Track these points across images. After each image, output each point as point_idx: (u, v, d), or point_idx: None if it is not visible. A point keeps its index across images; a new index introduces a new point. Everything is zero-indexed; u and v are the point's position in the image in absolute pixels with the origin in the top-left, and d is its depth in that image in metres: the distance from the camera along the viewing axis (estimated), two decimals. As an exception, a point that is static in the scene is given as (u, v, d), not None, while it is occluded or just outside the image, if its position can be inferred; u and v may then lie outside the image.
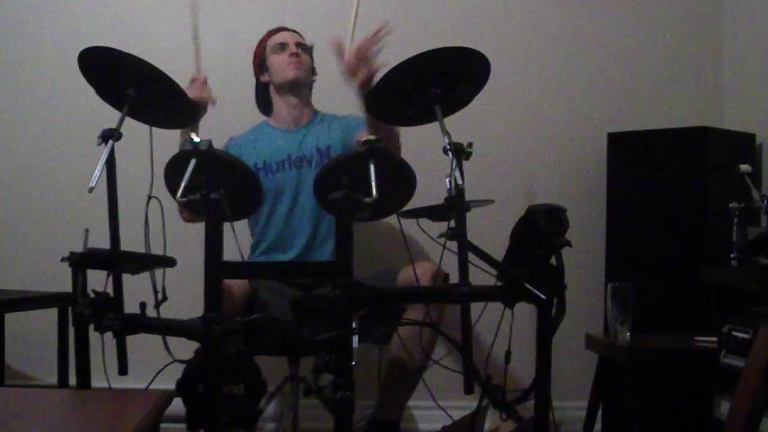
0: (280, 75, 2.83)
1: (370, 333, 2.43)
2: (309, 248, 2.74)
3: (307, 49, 2.86)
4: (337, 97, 2.74)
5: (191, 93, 2.41)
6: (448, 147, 1.98)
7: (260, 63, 2.89)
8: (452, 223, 2.01)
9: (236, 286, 2.49)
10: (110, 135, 1.98)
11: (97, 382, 2.07)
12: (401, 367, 2.50)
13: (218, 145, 2.72)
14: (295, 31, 2.90)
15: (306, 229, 2.74)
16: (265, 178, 2.75)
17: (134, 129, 2.10)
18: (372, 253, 2.92)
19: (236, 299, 2.46)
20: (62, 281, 2.21)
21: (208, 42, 3.14)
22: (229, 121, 2.93)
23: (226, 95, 3.11)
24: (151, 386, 2.00)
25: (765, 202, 2.45)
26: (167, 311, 2.04)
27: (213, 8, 3.20)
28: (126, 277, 2.06)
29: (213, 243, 1.87)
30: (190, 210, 2.41)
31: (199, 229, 1.93)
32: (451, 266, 2.06)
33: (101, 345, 1.99)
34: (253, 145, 2.83)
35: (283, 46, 2.83)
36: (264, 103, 2.92)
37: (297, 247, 2.74)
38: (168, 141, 2.23)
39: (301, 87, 2.84)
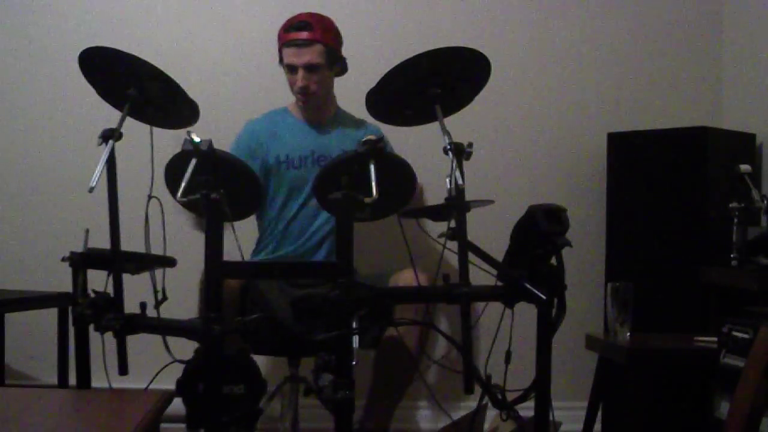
0: (293, 94, 2.76)
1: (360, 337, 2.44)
2: (314, 246, 2.74)
3: (321, 64, 2.67)
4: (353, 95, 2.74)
5: None
6: (448, 147, 1.98)
7: (279, 57, 2.73)
8: (452, 223, 2.01)
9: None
10: (110, 135, 1.98)
11: (97, 382, 2.07)
12: (389, 372, 2.50)
13: (223, 143, 2.73)
14: (306, 42, 2.64)
15: (314, 227, 2.73)
16: (286, 173, 2.73)
17: (134, 129, 2.10)
18: (369, 255, 2.92)
19: (232, 291, 2.44)
20: (62, 281, 2.21)
21: (212, 38, 3.15)
22: (231, 118, 2.93)
23: (229, 91, 3.13)
24: (151, 386, 2.00)
25: (765, 202, 2.45)
26: (167, 311, 2.04)
27: (216, 3, 3.20)
28: (126, 277, 2.06)
29: (213, 243, 1.87)
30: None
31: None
32: (451, 266, 2.07)
33: (101, 345, 1.99)
34: (275, 135, 2.78)
35: (292, 69, 2.68)
36: None
37: (302, 242, 2.74)
38: (168, 141, 2.23)
39: (313, 109, 2.78)
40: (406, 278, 2.42)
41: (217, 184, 1.88)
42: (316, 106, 2.77)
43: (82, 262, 2.00)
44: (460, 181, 1.95)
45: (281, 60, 2.73)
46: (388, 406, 2.56)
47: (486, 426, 2.58)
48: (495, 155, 3.14)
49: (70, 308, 2.31)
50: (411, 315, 2.30)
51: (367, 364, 2.54)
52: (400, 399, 2.57)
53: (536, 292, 1.89)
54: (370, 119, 2.41)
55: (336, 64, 2.74)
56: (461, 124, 2.17)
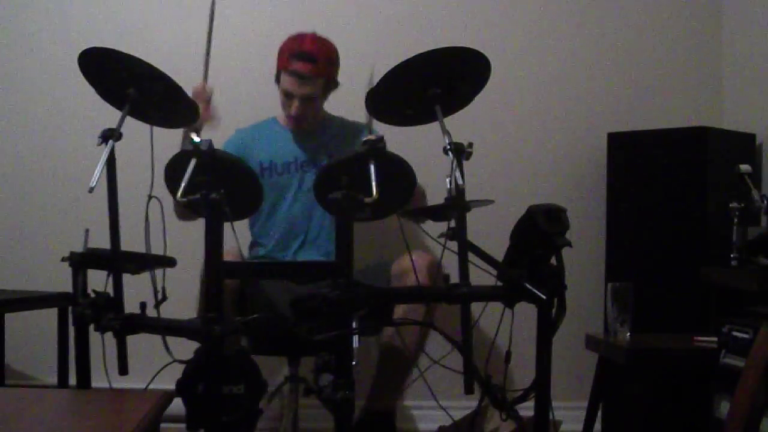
0: (285, 113, 2.77)
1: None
2: (303, 248, 2.75)
3: (318, 96, 2.70)
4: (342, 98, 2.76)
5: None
6: (448, 147, 1.98)
7: (276, 72, 2.74)
8: (452, 223, 2.01)
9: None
10: (110, 135, 1.98)
11: (97, 382, 2.07)
12: (393, 357, 2.52)
13: (223, 143, 2.73)
14: (309, 76, 2.64)
15: (304, 230, 2.75)
16: (270, 178, 2.75)
17: (134, 129, 2.10)
18: (369, 248, 2.91)
19: (228, 291, 2.44)
20: (62, 281, 2.21)
21: (214, 40, 3.14)
22: (234, 119, 2.93)
23: (231, 92, 3.12)
24: (151, 386, 2.00)
25: (765, 202, 2.45)
26: (167, 311, 2.04)
27: (216, 3, 3.20)
28: (126, 277, 2.06)
29: (213, 243, 1.87)
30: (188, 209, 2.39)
31: (199, 229, 1.93)
32: (451, 266, 2.07)
33: (101, 345, 1.99)
34: (261, 142, 2.81)
35: (289, 96, 2.68)
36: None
37: (295, 247, 2.74)
38: (168, 141, 2.23)
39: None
40: (408, 264, 2.40)
41: (217, 184, 1.88)
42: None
43: (82, 262, 2.00)
44: (460, 181, 1.94)
45: (278, 80, 2.73)
46: (394, 388, 2.57)
47: (486, 426, 2.58)
48: (495, 155, 3.14)
49: (70, 308, 2.31)
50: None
51: (368, 364, 2.54)
52: (405, 380, 2.57)
53: (536, 292, 1.89)
54: (363, 120, 2.45)
55: (330, 90, 2.77)
56: (461, 124, 2.17)
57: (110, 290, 2.03)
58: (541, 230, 1.91)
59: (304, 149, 2.79)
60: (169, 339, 2.00)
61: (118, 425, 1.44)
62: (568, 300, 1.91)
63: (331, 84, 2.74)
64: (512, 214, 2.04)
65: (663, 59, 3.23)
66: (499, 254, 2.01)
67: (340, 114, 2.90)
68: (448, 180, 1.97)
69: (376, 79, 2.14)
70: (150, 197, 2.03)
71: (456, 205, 1.99)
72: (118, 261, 2.04)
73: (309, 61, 2.64)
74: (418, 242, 2.71)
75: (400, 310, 2.43)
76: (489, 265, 1.98)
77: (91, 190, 1.87)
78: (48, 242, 3.11)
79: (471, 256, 2.00)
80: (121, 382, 2.05)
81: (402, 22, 3.21)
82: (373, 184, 1.88)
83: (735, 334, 2.18)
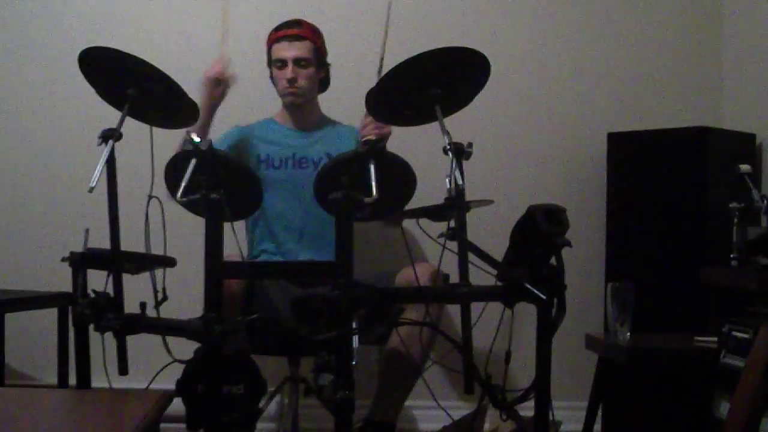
0: (279, 93, 2.80)
1: (367, 334, 2.43)
2: (300, 246, 2.75)
3: (310, 60, 2.74)
4: (343, 101, 2.76)
5: (212, 71, 2.62)
6: (448, 147, 1.98)
7: (268, 61, 2.83)
8: (452, 223, 2.01)
9: (235, 281, 2.48)
10: (110, 135, 1.98)
11: (97, 382, 2.07)
12: (398, 368, 2.50)
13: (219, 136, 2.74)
14: (297, 36, 2.74)
15: (300, 228, 2.75)
16: (266, 172, 2.75)
17: (134, 129, 2.10)
18: (371, 254, 2.92)
19: (234, 293, 2.44)
20: (62, 281, 2.21)
21: (211, 38, 3.14)
22: (233, 117, 2.94)
23: (229, 94, 3.12)
24: (151, 386, 2.00)
25: (765, 202, 2.45)
26: (167, 311, 2.04)
27: (217, 3, 3.20)
28: (126, 277, 2.06)
29: (213, 243, 1.87)
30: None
31: (199, 229, 1.92)
32: (451, 266, 2.07)
33: (101, 345, 1.99)
34: (259, 137, 2.82)
35: (282, 63, 2.73)
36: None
37: (292, 245, 2.75)
38: (168, 141, 2.23)
39: (300, 108, 2.82)
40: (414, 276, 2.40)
41: (217, 184, 1.88)
42: (301, 106, 2.80)
43: (82, 262, 2.00)
44: (460, 181, 1.95)
45: (270, 62, 2.79)
46: (396, 400, 2.56)
47: (486, 426, 2.58)
48: (495, 155, 3.14)
49: (70, 308, 2.31)
50: (420, 315, 2.30)
51: (369, 364, 2.54)
52: (408, 393, 2.57)
53: (536, 292, 1.89)
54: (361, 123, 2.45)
55: (322, 67, 2.80)
56: (461, 124, 2.17)
57: (110, 290, 2.03)
58: (541, 230, 1.91)
59: (301, 145, 2.80)
60: (169, 339, 2.00)
61: (118, 425, 1.45)
62: (568, 300, 1.91)
63: (321, 58, 2.78)
64: (512, 214, 2.04)
65: (663, 59, 3.23)
66: (499, 254, 2.01)
67: (340, 113, 2.90)
68: (447, 180, 1.97)
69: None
70: (150, 197, 2.03)
71: (456, 205, 1.99)
72: (118, 261, 2.04)
73: (294, 25, 2.76)
74: (421, 247, 2.72)
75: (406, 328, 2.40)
76: (489, 265, 1.98)
77: (91, 190, 1.87)
78: (48, 242, 3.11)
79: (471, 256, 2.00)
80: (121, 382, 2.05)
81: (402, 22, 3.20)
82: (373, 184, 1.88)
83: (735, 334, 2.18)
